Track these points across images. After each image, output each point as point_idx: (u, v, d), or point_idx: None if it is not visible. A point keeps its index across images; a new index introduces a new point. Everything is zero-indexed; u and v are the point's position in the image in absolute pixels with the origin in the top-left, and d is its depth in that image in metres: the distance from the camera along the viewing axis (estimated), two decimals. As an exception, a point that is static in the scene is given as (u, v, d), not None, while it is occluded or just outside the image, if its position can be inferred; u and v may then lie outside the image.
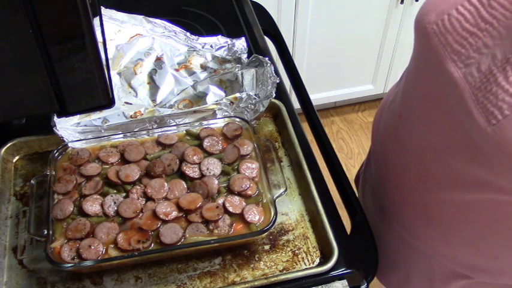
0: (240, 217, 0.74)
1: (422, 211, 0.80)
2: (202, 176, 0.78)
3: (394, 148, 0.83)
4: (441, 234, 0.79)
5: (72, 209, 0.74)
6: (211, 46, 1.04)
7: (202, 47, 1.04)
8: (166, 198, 0.76)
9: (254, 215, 0.74)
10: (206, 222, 0.73)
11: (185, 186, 0.77)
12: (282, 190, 0.77)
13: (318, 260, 0.77)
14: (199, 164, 0.80)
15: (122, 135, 0.84)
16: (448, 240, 0.79)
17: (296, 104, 1.00)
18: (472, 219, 0.73)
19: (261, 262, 0.76)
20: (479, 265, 0.79)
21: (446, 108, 0.66)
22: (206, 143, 0.82)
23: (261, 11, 1.25)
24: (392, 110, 0.84)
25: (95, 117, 0.90)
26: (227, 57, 1.03)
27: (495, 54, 0.58)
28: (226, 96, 0.94)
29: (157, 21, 1.05)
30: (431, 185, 0.75)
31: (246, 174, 0.79)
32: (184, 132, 0.86)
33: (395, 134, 0.81)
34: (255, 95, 0.92)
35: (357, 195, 0.93)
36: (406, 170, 0.80)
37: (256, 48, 1.10)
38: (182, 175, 0.79)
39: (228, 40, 1.04)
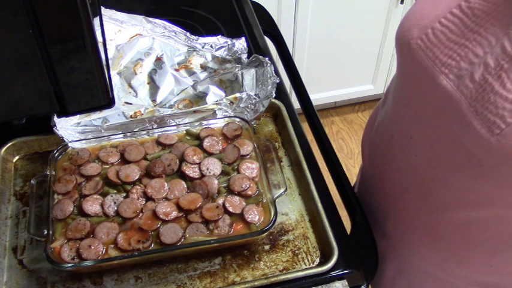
0: (240, 217, 0.74)
1: (429, 233, 0.78)
2: (202, 176, 0.78)
3: (390, 170, 0.80)
4: (452, 255, 0.77)
5: (72, 209, 0.74)
6: (211, 46, 1.04)
7: (202, 47, 1.04)
8: (166, 198, 0.76)
9: (254, 215, 0.74)
10: (206, 222, 0.73)
11: (185, 186, 0.77)
12: (282, 190, 0.77)
13: (318, 260, 0.77)
14: (199, 164, 0.80)
15: (122, 135, 0.84)
16: (460, 260, 0.77)
17: (296, 104, 1.00)
18: (482, 237, 0.71)
19: (261, 262, 0.76)
20: (494, 282, 0.77)
21: (441, 124, 0.64)
22: (206, 143, 0.82)
23: (261, 11, 1.25)
24: (382, 131, 0.81)
25: (95, 117, 0.90)
26: (227, 57, 1.03)
27: (487, 62, 0.57)
28: (226, 96, 0.94)
29: (157, 21, 1.05)
30: (435, 205, 0.73)
31: (246, 174, 0.79)
32: (184, 132, 0.86)
33: (390, 155, 0.79)
34: (255, 95, 0.92)
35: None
36: (407, 193, 0.77)
37: (256, 48, 1.10)
38: (182, 175, 0.79)
39: (228, 40, 1.04)
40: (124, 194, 0.77)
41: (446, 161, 0.66)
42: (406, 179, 0.76)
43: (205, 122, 0.87)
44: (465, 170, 0.64)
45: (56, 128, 0.83)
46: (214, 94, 0.95)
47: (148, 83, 0.98)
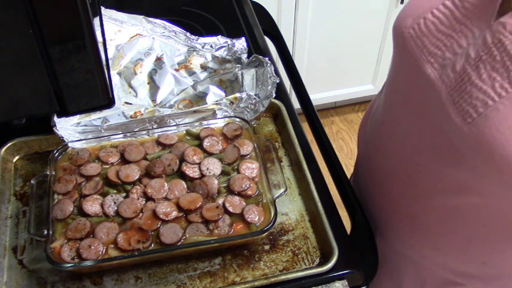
0: (240, 217, 0.74)
1: (410, 218, 0.80)
2: (202, 176, 0.78)
3: (379, 156, 0.83)
4: (429, 241, 0.79)
5: (72, 209, 0.74)
6: (211, 46, 1.04)
7: (202, 47, 1.04)
8: (166, 198, 0.76)
9: (254, 215, 0.74)
10: (206, 222, 0.73)
11: (185, 186, 0.77)
12: (282, 190, 0.77)
13: (318, 260, 0.77)
14: (199, 164, 0.80)
15: (122, 135, 0.84)
16: (437, 247, 0.79)
17: (296, 104, 1.00)
18: (459, 225, 0.72)
19: (261, 262, 0.76)
20: (469, 271, 0.79)
21: (426, 111, 0.66)
22: (206, 143, 0.82)
23: (261, 11, 1.25)
24: (375, 118, 0.84)
25: (95, 117, 0.90)
26: (227, 57, 1.03)
27: (469, 53, 0.59)
28: (226, 96, 0.94)
29: (157, 21, 1.05)
30: (417, 191, 0.75)
31: (246, 174, 0.79)
32: (184, 132, 0.86)
33: (379, 142, 0.81)
34: (255, 95, 0.92)
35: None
36: (392, 178, 0.80)
37: (256, 48, 1.10)
38: (182, 175, 0.79)
39: (228, 40, 1.04)
40: (124, 194, 0.77)
41: (430, 148, 0.68)
42: (392, 165, 0.78)
43: (205, 122, 0.87)
44: (445, 157, 0.66)
45: (56, 128, 0.83)
46: (214, 94, 0.95)
47: (148, 83, 0.98)
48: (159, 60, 1.01)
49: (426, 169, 0.71)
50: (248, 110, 0.91)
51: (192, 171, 0.79)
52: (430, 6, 0.64)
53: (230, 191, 0.77)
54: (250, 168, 0.80)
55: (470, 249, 0.74)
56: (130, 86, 0.97)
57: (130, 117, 0.91)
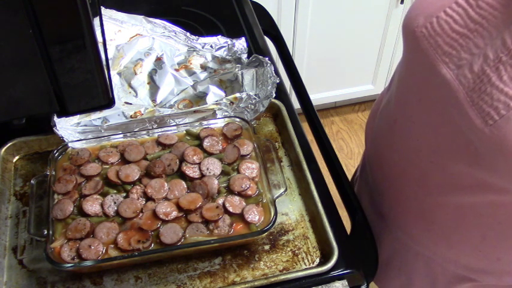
0: (240, 217, 0.74)
1: (423, 216, 0.79)
2: (202, 176, 0.78)
3: (390, 154, 0.82)
4: (443, 238, 0.79)
5: (72, 209, 0.74)
6: (211, 46, 1.04)
7: (202, 47, 1.04)
8: (166, 198, 0.76)
9: (254, 215, 0.74)
10: (206, 222, 0.73)
11: (185, 186, 0.77)
12: (282, 190, 0.77)
13: (318, 260, 0.77)
14: (199, 164, 0.80)
15: (122, 135, 0.84)
16: (450, 244, 0.78)
17: (296, 104, 1.00)
18: (474, 222, 0.72)
19: (261, 262, 0.76)
20: (482, 267, 0.78)
21: (442, 110, 0.65)
22: (206, 143, 0.82)
23: (261, 11, 1.25)
24: (386, 115, 0.83)
25: (95, 117, 0.90)
26: (227, 57, 1.03)
27: (487, 54, 0.58)
28: (226, 96, 0.94)
29: (157, 21, 1.05)
30: (430, 189, 0.75)
31: (246, 174, 0.79)
32: (184, 132, 0.86)
33: (392, 139, 0.81)
34: (255, 95, 0.92)
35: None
36: (405, 175, 0.79)
37: (256, 48, 1.10)
38: (182, 175, 0.79)
39: (228, 40, 1.04)
40: (124, 194, 0.77)
41: (446, 146, 0.68)
42: (405, 162, 0.78)
43: (205, 122, 0.87)
44: (463, 156, 0.65)
45: (56, 128, 0.83)
46: (214, 94, 0.95)
47: (148, 83, 0.98)
48: (159, 60, 1.01)
49: (441, 167, 0.70)
50: (248, 110, 0.91)
51: (192, 171, 0.79)
52: (442, 5, 0.63)
53: (230, 191, 0.77)
54: (250, 168, 0.80)
55: (484, 246, 0.74)
56: (130, 86, 0.97)
57: (131, 117, 0.91)
